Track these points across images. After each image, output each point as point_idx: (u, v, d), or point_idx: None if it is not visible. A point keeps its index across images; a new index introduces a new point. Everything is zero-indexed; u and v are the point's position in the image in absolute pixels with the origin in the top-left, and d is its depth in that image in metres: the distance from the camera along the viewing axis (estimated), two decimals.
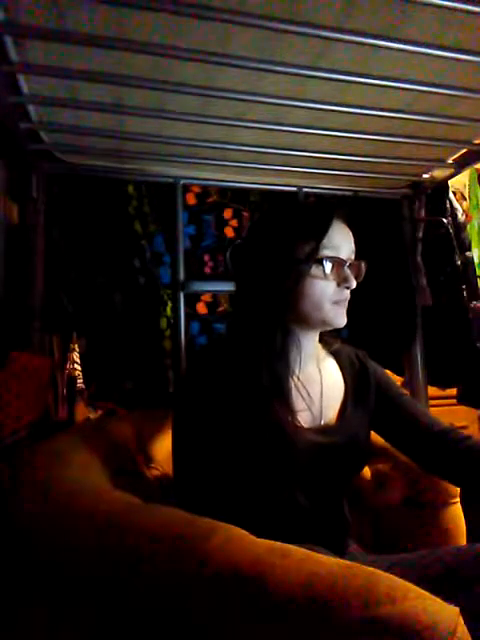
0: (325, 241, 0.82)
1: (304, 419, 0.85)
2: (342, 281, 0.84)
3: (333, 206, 0.87)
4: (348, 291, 0.85)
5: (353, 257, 0.87)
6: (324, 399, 0.90)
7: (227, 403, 0.81)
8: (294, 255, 0.82)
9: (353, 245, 0.87)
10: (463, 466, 0.89)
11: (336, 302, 0.84)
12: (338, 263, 0.83)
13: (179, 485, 0.85)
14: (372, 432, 0.98)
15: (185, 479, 0.84)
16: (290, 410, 0.82)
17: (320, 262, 0.81)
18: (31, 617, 0.71)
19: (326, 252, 0.82)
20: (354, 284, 0.85)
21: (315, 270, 0.82)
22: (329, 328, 0.89)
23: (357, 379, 0.96)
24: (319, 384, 0.91)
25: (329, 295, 0.83)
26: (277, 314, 0.83)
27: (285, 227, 0.85)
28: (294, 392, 0.84)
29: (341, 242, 0.84)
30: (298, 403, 0.84)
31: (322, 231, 0.82)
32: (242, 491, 0.83)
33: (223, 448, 0.81)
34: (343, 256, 0.84)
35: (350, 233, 0.87)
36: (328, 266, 0.82)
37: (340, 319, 0.86)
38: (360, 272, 0.88)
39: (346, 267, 0.84)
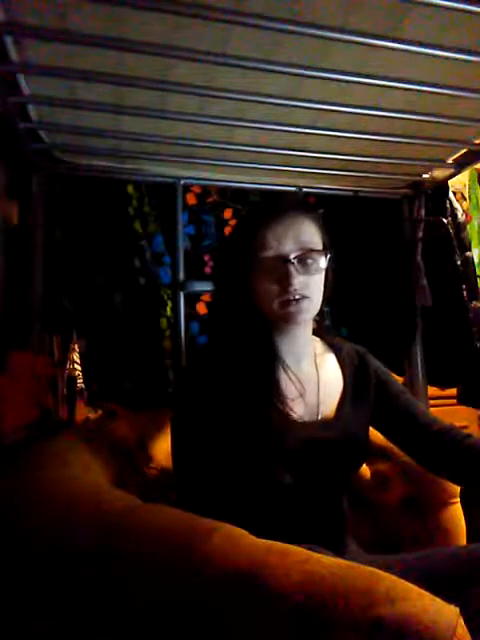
0: (259, 246, 0.83)
1: (300, 414, 0.86)
2: (283, 280, 0.82)
3: (264, 207, 0.90)
4: (298, 289, 0.82)
5: (305, 249, 0.83)
6: (321, 394, 0.90)
7: (223, 402, 0.82)
8: (237, 262, 0.85)
9: (304, 237, 0.83)
10: (463, 465, 0.89)
11: (282, 302, 0.82)
12: (276, 263, 0.82)
13: (180, 484, 0.86)
14: (373, 431, 0.98)
15: (186, 478, 0.85)
16: (283, 407, 0.83)
17: (258, 265, 0.83)
18: (31, 617, 0.70)
19: (264, 254, 0.83)
20: (296, 281, 0.81)
21: (256, 273, 0.83)
22: (290, 326, 0.87)
23: (356, 375, 0.96)
24: (315, 380, 0.91)
25: (273, 295, 0.83)
26: (237, 317, 0.86)
27: (233, 235, 0.90)
28: (288, 389, 0.85)
29: (281, 240, 0.82)
30: (292, 399, 0.85)
31: (252, 235, 0.84)
32: (242, 488, 0.83)
33: (222, 446, 0.81)
34: (286, 252, 0.82)
35: (297, 227, 0.84)
36: (267, 271, 0.82)
37: (290, 318, 0.83)
38: (312, 262, 0.83)
39: (290, 266, 0.81)
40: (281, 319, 0.85)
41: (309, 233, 0.85)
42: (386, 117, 1.08)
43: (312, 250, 0.84)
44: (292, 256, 0.82)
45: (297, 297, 0.82)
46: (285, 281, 0.81)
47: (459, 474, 0.93)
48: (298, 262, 0.82)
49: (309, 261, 0.84)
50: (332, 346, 0.98)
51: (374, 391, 0.96)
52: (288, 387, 0.86)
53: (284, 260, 0.82)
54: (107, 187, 1.41)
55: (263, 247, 0.83)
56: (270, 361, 0.85)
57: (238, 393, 0.82)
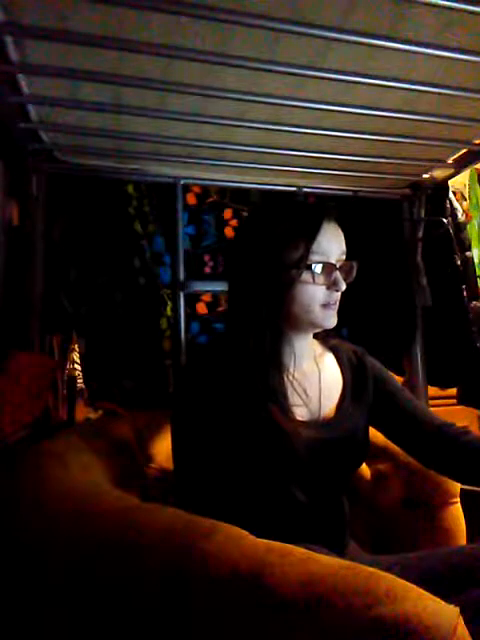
0: (314, 246, 0.82)
1: (302, 414, 0.86)
2: (331, 285, 0.84)
3: (322, 210, 0.86)
4: (338, 294, 0.86)
5: (344, 258, 0.87)
6: (322, 394, 0.91)
7: (224, 402, 0.82)
8: (283, 261, 0.82)
9: (344, 246, 0.87)
10: (461, 461, 0.90)
11: (325, 305, 0.84)
12: (328, 267, 0.83)
13: (179, 484, 0.86)
14: (373, 431, 0.99)
15: (185, 478, 0.85)
16: (286, 408, 0.82)
17: (309, 268, 0.82)
18: (31, 618, 0.71)
19: (315, 257, 0.82)
20: (343, 287, 0.85)
21: (305, 275, 0.82)
22: (318, 330, 0.90)
23: (355, 375, 0.97)
24: (317, 380, 0.91)
25: (318, 299, 0.84)
26: (266, 317, 0.83)
27: (273, 232, 0.84)
28: (290, 389, 0.85)
29: (331, 245, 0.84)
30: (294, 399, 0.85)
31: (311, 237, 0.82)
32: (242, 488, 0.83)
33: (222, 446, 0.81)
34: (333, 259, 0.84)
35: (341, 234, 0.87)
36: (317, 271, 0.82)
37: (329, 321, 0.86)
38: (351, 272, 0.88)
39: (336, 270, 0.84)
40: (315, 323, 0.86)
41: (344, 242, 0.87)
42: (386, 117, 1.08)
43: (351, 260, 0.87)
44: (339, 263, 0.85)
45: (335, 302, 0.85)
46: (332, 286, 0.84)
47: (458, 471, 0.93)
48: (341, 270, 0.85)
49: (349, 269, 0.88)
50: (330, 347, 0.99)
51: (372, 391, 0.97)
52: (290, 387, 0.86)
53: (334, 266, 0.84)
54: (107, 187, 1.41)
55: (317, 251, 0.82)
56: (277, 364, 0.86)
57: (241, 393, 0.82)
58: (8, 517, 0.76)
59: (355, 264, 0.88)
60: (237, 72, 0.91)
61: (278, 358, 0.86)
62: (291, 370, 0.87)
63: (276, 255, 0.83)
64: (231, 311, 0.91)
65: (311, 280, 0.82)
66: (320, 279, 0.83)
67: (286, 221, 0.85)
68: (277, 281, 0.82)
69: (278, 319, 0.85)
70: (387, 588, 0.51)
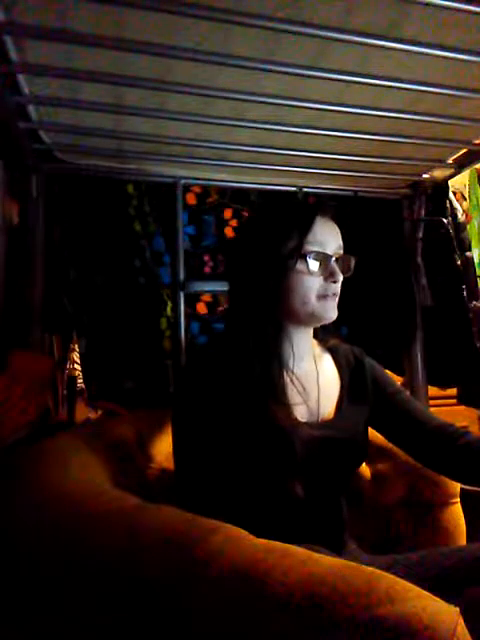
0: (309, 237, 0.84)
1: (301, 414, 0.86)
2: (328, 275, 0.85)
3: (317, 203, 0.88)
4: (336, 285, 0.86)
5: (341, 252, 0.88)
6: (321, 395, 0.91)
7: (224, 399, 0.82)
8: (279, 251, 0.83)
9: (340, 241, 0.88)
10: (461, 461, 0.90)
11: (323, 296, 0.85)
12: (323, 258, 0.85)
13: (180, 483, 0.86)
14: (373, 431, 0.99)
15: (186, 477, 0.85)
16: (285, 404, 0.83)
17: (304, 257, 0.83)
18: (31, 618, 0.70)
19: (310, 247, 0.84)
20: (340, 278, 0.86)
21: (300, 265, 0.83)
22: (319, 323, 0.90)
23: (353, 376, 0.97)
24: (316, 380, 0.91)
25: (315, 290, 0.85)
26: (265, 310, 0.85)
27: (270, 225, 0.87)
28: (289, 387, 0.85)
29: (326, 238, 0.85)
30: (293, 397, 0.85)
31: (305, 228, 0.84)
32: (242, 487, 0.83)
33: (222, 444, 0.82)
34: (329, 251, 0.85)
35: (336, 229, 0.88)
36: (312, 261, 0.84)
37: (329, 313, 0.87)
38: (349, 267, 0.89)
39: (332, 261, 0.85)
40: (314, 314, 0.86)
41: (340, 237, 0.89)
42: (386, 117, 1.08)
43: (348, 254, 0.89)
44: (336, 256, 0.86)
45: (333, 293, 0.86)
46: (329, 277, 0.85)
47: (458, 471, 0.93)
48: (337, 262, 0.87)
49: (346, 263, 0.89)
50: (329, 347, 0.99)
51: (371, 391, 0.97)
52: (290, 385, 0.86)
53: (330, 256, 0.85)
54: (107, 187, 1.41)
55: (312, 242, 0.84)
56: (277, 361, 0.86)
57: (242, 392, 0.82)
58: (8, 517, 0.76)
59: (353, 258, 0.89)
60: (237, 72, 0.91)
61: (278, 355, 0.86)
62: (291, 368, 0.87)
63: (273, 246, 0.84)
64: (231, 307, 0.92)
65: (306, 270, 0.83)
66: (316, 269, 0.84)
67: (282, 215, 0.88)
68: (274, 272, 0.84)
69: (277, 313, 0.86)
70: (387, 588, 0.51)
